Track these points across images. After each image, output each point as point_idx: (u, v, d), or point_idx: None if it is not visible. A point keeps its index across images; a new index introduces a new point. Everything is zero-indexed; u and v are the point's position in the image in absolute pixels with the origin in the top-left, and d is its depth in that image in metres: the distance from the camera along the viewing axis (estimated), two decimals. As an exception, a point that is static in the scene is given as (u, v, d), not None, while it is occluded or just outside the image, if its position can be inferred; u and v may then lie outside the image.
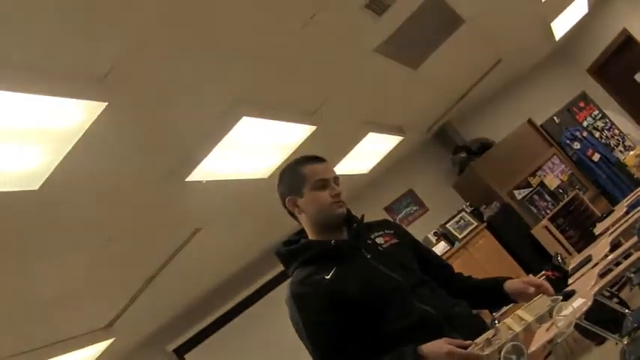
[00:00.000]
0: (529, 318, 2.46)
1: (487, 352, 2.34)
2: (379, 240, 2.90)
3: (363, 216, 2.99)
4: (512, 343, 2.34)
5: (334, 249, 2.76)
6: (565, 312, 2.53)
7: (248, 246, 7.99)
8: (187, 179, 4.82)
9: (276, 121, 5.10)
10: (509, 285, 2.88)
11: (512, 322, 2.45)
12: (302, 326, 2.63)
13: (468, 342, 2.40)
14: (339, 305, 2.60)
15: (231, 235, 7.07)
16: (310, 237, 2.87)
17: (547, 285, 2.73)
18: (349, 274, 2.68)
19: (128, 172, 4.32)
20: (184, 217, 5.68)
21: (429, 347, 2.43)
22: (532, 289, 2.72)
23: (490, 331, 2.42)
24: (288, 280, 2.81)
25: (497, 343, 2.35)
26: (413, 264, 2.89)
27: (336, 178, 2.89)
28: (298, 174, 2.86)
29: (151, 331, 8.47)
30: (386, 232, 2.96)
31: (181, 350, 8.82)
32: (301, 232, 2.94)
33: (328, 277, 2.67)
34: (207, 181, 5.03)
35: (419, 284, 2.77)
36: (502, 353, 2.31)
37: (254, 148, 5.29)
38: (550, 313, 2.49)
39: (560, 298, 2.57)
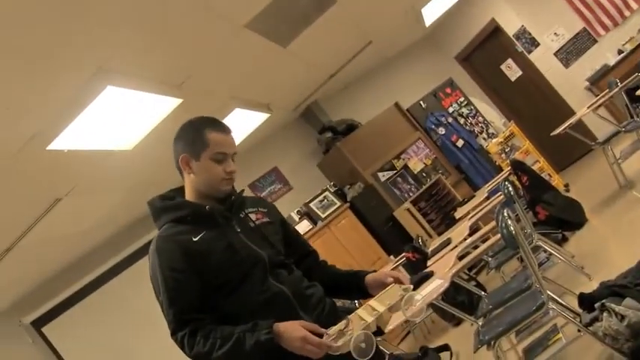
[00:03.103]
0: (381, 308, 2.54)
1: (339, 343, 2.41)
2: (252, 216, 2.92)
3: (243, 190, 3.01)
4: (363, 331, 2.42)
5: (207, 214, 2.77)
6: (418, 298, 2.62)
7: (111, 217, 7.86)
8: (49, 147, 4.70)
9: (142, 92, 5.03)
10: (369, 278, 2.94)
11: (364, 312, 2.51)
12: (160, 281, 2.65)
13: (323, 330, 2.46)
14: (200, 267, 2.64)
15: (93, 207, 6.93)
16: (187, 197, 2.88)
17: (402, 276, 2.82)
18: (216, 240, 2.71)
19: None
20: (45, 186, 5.53)
21: (285, 326, 2.47)
22: (390, 279, 2.77)
23: (342, 322, 2.48)
24: (156, 233, 2.81)
25: (349, 334, 2.42)
26: (279, 245, 2.92)
27: (235, 154, 2.88)
28: (202, 138, 2.80)
29: (9, 303, 8.26)
30: (260, 209, 2.99)
31: (40, 322, 8.63)
32: (179, 190, 2.94)
33: (196, 239, 2.69)
34: (69, 150, 4.93)
35: (279, 265, 2.82)
36: (352, 341, 2.38)
37: (119, 119, 5.19)
38: (402, 302, 2.57)
39: (411, 287, 2.67)
